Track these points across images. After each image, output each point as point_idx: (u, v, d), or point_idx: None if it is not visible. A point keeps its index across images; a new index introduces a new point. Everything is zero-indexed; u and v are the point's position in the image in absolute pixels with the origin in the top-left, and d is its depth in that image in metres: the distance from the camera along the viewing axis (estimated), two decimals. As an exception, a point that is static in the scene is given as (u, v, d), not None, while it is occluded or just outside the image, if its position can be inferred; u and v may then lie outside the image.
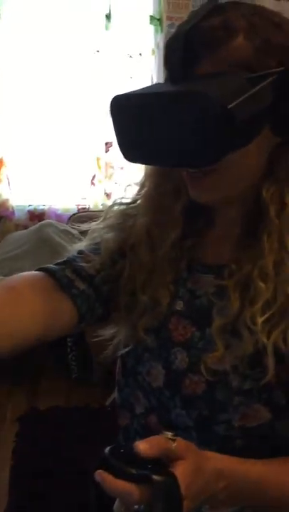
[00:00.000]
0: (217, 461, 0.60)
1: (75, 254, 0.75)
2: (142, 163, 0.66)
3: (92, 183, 2.81)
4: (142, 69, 2.75)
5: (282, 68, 0.61)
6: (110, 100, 0.64)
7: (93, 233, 0.77)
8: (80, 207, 2.82)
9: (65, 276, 0.70)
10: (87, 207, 2.81)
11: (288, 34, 0.63)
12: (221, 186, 0.65)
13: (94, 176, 2.80)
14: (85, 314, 0.71)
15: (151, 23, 2.73)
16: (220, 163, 0.61)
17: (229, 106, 0.56)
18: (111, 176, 2.80)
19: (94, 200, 2.81)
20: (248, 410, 0.65)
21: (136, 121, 0.63)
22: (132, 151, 0.65)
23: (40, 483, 1.75)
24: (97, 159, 2.78)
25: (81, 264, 0.72)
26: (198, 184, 0.66)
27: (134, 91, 0.64)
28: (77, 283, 0.71)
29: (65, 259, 0.74)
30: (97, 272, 0.73)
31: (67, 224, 2.60)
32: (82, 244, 0.77)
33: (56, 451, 1.91)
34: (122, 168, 2.75)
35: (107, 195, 2.79)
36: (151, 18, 2.73)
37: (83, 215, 2.58)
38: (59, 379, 2.37)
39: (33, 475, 1.80)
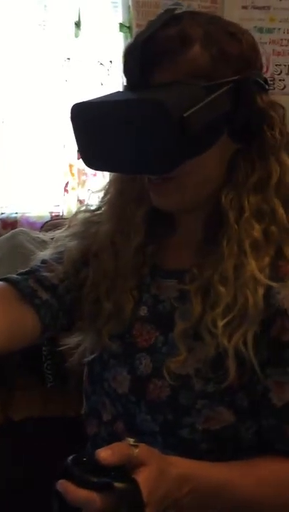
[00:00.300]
0: (181, 465, 0.60)
1: (39, 263, 0.75)
2: (102, 169, 0.67)
3: (66, 190, 2.80)
4: (113, 76, 2.76)
5: (237, 77, 0.63)
6: (70, 108, 0.65)
7: (57, 242, 0.78)
8: (53, 214, 2.81)
9: (27, 287, 0.70)
10: (60, 214, 2.80)
11: (243, 43, 0.65)
12: (182, 193, 0.66)
13: (67, 183, 2.79)
14: (49, 324, 0.71)
15: (120, 30, 2.74)
16: (179, 170, 0.62)
17: (185, 114, 0.57)
18: (84, 182, 2.80)
19: (67, 207, 2.80)
20: (211, 413, 0.66)
21: (95, 128, 0.63)
22: (92, 157, 0.66)
23: (16, 495, 1.73)
24: (70, 166, 2.78)
25: (44, 274, 0.73)
26: (158, 191, 0.67)
27: (93, 99, 0.65)
28: (40, 293, 0.71)
29: (28, 268, 0.74)
30: (61, 281, 0.73)
31: (40, 231, 2.58)
32: (46, 253, 0.77)
33: (32, 462, 1.88)
34: (94, 174, 2.75)
35: (81, 202, 2.77)
36: (121, 25, 2.74)
37: (56, 223, 2.56)
38: (33, 388, 2.34)
39: (8, 487, 1.77)
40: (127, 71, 0.64)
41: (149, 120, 0.59)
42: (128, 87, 0.65)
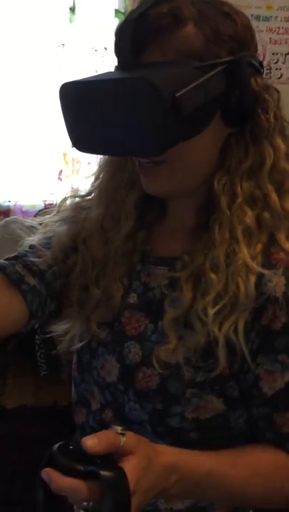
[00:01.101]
0: (169, 454, 0.59)
1: (27, 248, 0.74)
2: (91, 152, 0.66)
3: (59, 179, 2.78)
4: (107, 62, 2.72)
5: (231, 58, 0.61)
6: (59, 87, 0.63)
7: (46, 227, 0.76)
8: (47, 203, 2.78)
9: (15, 272, 0.69)
10: (54, 203, 2.78)
11: (238, 24, 0.63)
12: (173, 177, 0.65)
13: (61, 171, 2.77)
14: (36, 310, 0.69)
15: (116, 16, 2.71)
16: (171, 153, 0.60)
17: (177, 94, 0.55)
18: (78, 171, 2.77)
19: (61, 195, 2.78)
20: (201, 402, 0.65)
21: (84, 108, 0.62)
22: (80, 138, 0.64)
23: (8, 484, 1.73)
24: (64, 154, 2.75)
25: (32, 259, 0.71)
26: (149, 175, 0.65)
27: (82, 78, 0.63)
28: (27, 278, 0.69)
29: (15, 254, 0.73)
30: (49, 267, 0.72)
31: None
32: (34, 239, 0.76)
33: (24, 450, 1.88)
34: (89, 163, 2.73)
35: (74, 189, 2.76)
36: (116, 11, 2.71)
37: (50, 211, 2.54)
38: (27, 377, 2.34)
39: (1, 476, 1.77)
40: (118, 50, 0.62)
41: (140, 100, 0.57)
42: (119, 67, 0.63)
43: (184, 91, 0.56)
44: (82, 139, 0.64)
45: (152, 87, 0.55)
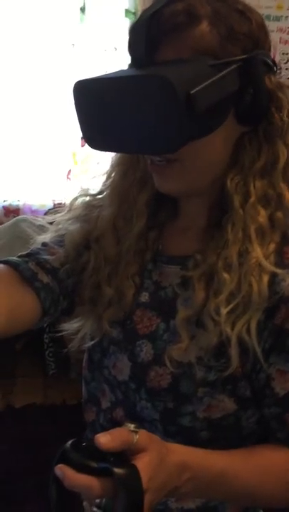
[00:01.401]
0: (181, 453, 0.59)
1: (39, 246, 0.74)
2: (105, 149, 0.65)
3: (68, 178, 2.79)
4: (118, 62, 2.73)
5: (245, 56, 0.61)
6: (73, 85, 0.63)
7: (58, 225, 0.76)
8: (56, 202, 2.79)
9: (28, 269, 0.69)
10: (63, 202, 2.79)
11: (253, 22, 0.63)
12: (185, 176, 0.64)
13: (70, 171, 2.78)
14: (49, 308, 0.69)
15: (126, 16, 2.71)
16: (184, 152, 0.60)
17: (192, 91, 0.55)
18: (87, 170, 2.78)
19: (70, 195, 2.78)
20: (212, 401, 0.65)
21: (97, 105, 0.62)
22: (94, 136, 0.64)
23: (17, 483, 1.74)
24: (73, 154, 2.76)
25: (45, 257, 0.71)
26: (162, 173, 0.65)
27: (97, 76, 0.63)
28: (40, 276, 0.69)
29: (28, 251, 0.73)
30: (62, 264, 0.72)
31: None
32: (46, 237, 0.76)
33: (33, 449, 1.89)
34: (98, 162, 2.73)
35: (83, 189, 2.76)
36: (127, 11, 2.71)
37: (60, 210, 2.55)
38: (35, 376, 2.35)
39: (10, 474, 1.78)
40: (132, 48, 0.62)
41: (154, 97, 0.57)
42: (132, 65, 0.63)
43: (198, 88, 0.56)
44: (96, 136, 0.64)
45: (167, 84, 0.55)
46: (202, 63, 0.59)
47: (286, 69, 2.75)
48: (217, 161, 0.65)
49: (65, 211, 0.77)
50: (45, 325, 0.75)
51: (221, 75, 0.58)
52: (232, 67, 0.60)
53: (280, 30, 2.71)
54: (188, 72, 0.57)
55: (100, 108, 0.61)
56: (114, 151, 0.69)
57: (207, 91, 0.57)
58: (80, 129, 0.64)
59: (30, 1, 2.59)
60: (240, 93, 0.61)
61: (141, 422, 0.68)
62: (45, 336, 2.29)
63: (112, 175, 0.74)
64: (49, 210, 2.70)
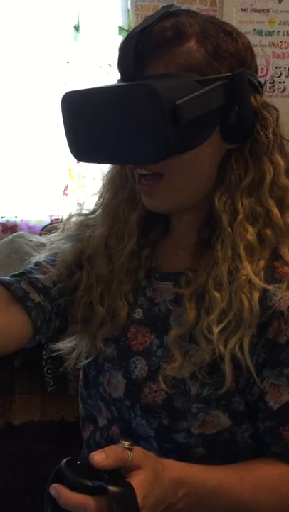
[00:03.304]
0: (176, 469, 0.60)
1: (32, 265, 0.75)
2: (90, 161, 0.66)
3: (65, 194, 2.80)
4: (112, 79, 2.76)
5: (230, 74, 0.62)
6: (61, 97, 0.64)
7: (51, 244, 0.77)
8: (53, 218, 2.80)
9: (20, 289, 0.70)
10: (60, 218, 2.80)
11: (239, 43, 0.64)
12: (172, 193, 0.65)
13: (66, 187, 2.79)
14: (41, 326, 0.70)
15: (120, 33, 2.75)
16: (170, 166, 0.61)
17: (177, 102, 0.56)
18: (83, 186, 2.80)
19: (67, 210, 2.80)
20: (207, 417, 0.65)
21: (83, 116, 0.62)
22: (79, 147, 0.65)
23: (16, 500, 1.72)
24: (70, 170, 2.78)
25: (37, 276, 0.72)
26: (149, 192, 0.66)
27: (84, 88, 0.63)
28: (32, 295, 0.70)
29: (21, 270, 0.73)
30: (54, 283, 0.72)
31: (40, 235, 2.58)
32: (40, 256, 0.77)
33: (31, 466, 1.88)
34: (94, 178, 2.75)
35: (80, 206, 2.77)
36: (120, 29, 2.75)
37: (56, 226, 2.56)
38: (34, 393, 2.34)
39: (8, 491, 1.77)
40: (121, 63, 0.63)
41: (140, 106, 0.57)
42: (121, 80, 0.63)
43: (184, 99, 0.57)
44: (81, 147, 0.64)
45: (153, 94, 0.56)
46: (189, 78, 0.60)
47: (279, 82, 2.78)
48: (203, 178, 0.65)
49: (59, 231, 0.78)
50: (43, 342, 0.75)
51: (206, 89, 0.59)
52: (217, 83, 0.61)
53: (273, 44, 2.75)
54: (174, 84, 0.58)
55: (86, 119, 0.62)
56: (99, 162, 0.70)
57: (192, 103, 0.58)
58: (67, 141, 0.65)
59: (25, 20, 2.63)
60: (226, 110, 0.62)
61: (136, 439, 0.69)
62: (44, 352, 2.28)
63: (104, 194, 0.75)
64: (46, 225, 2.71)
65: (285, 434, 0.65)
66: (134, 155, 0.61)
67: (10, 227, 2.74)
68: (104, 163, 0.70)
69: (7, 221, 2.75)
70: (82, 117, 0.62)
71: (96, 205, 0.77)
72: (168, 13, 0.63)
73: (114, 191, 0.73)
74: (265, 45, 2.72)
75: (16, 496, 1.74)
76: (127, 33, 2.63)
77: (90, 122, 0.61)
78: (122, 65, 0.63)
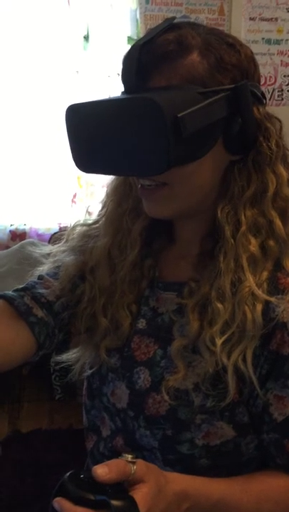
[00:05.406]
0: (179, 482, 0.59)
1: (35, 279, 0.75)
2: (93, 171, 0.66)
3: (74, 202, 2.82)
4: (121, 88, 2.77)
5: (233, 85, 0.62)
6: (65, 109, 0.65)
7: (54, 256, 0.77)
8: (62, 225, 2.82)
9: (23, 304, 0.70)
10: (68, 225, 2.80)
11: (242, 54, 0.65)
12: (174, 200, 0.65)
13: (75, 195, 2.81)
14: (44, 342, 0.70)
15: (128, 43, 2.76)
16: (173, 176, 0.61)
17: (179, 114, 0.57)
18: (92, 193, 2.81)
19: (75, 218, 2.80)
20: (211, 428, 0.65)
21: (86, 128, 0.63)
22: (82, 158, 0.65)
23: (23, 508, 1.72)
24: (78, 178, 2.79)
25: (40, 291, 0.72)
26: (150, 197, 0.66)
27: (87, 101, 0.64)
28: (35, 310, 0.70)
29: (24, 285, 0.74)
30: (57, 298, 0.73)
31: (48, 243, 2.60)
32: (44, 269, 0.77)
33: (39, 474, 1.88)
34: (103, 186, 2.76)
35: (89, 213, 2.78)
36: (129, 38, 2.77)
37: (64, 234, 2.57)
38: (42, 401, 2.34)
39: (16, 499, 1.76)
40: (124, 75, 0.63)
41: (143, 119, 0.58)
42: (124, 92, 0.64)
43: (186, 112, 0.57)
44: (85, 158, 0.65)
45: (155, 106, 0.56)
46: (191, 90, 0.60)
47: (288, 91, 2.78)
48: (205, 187, 0.65)
49: (62, 242, 0.79)
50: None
51: (208, 101, 0.59)
52: (220, 95, 0.61)
53: (281, 53, 2.75)
54: (176, 97, 0.59)
55: (90, 130, 0.62)
56: (102, 173, 0.70)
57: (195, 116, 0.58)
58: (71, 153, 0.65)
59: (36, 30, 2.66)
60: (228, 121, 0.62)
61: (140, 451, 0.68)
62: (52, 360, 2.28)
63: (107, 204, 0.76)
64: (55, 233, 2.72)
65: None
66: (137, 167, 0.61)
67: (19, 235, 2.75)
68: (107, 174, 0.70)
69: (16, 229, 2.77)
70: (85, 129, 0.63)
71: (99, 214, 0.77)
72: (171, 26, 0.63)
73: (118, 201, 0.73)
74: (274, 54, 2.72)
75: (24, 503, 1.74)
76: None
77: (93, 134, 0.62)
78: (125, 77, 0.63)
